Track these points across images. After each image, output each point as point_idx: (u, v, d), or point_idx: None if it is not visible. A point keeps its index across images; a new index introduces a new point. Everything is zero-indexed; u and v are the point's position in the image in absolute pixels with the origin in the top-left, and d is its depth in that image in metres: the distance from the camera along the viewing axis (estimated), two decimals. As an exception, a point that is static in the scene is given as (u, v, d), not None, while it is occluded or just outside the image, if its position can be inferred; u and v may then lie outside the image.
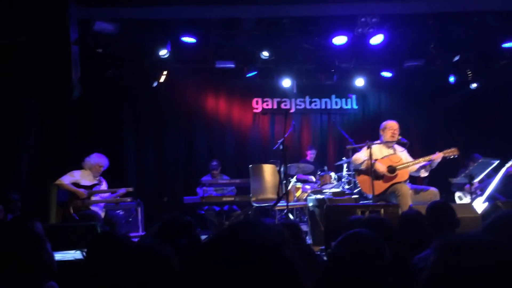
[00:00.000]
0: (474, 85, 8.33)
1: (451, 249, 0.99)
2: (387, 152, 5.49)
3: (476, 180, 6.06)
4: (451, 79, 8.32)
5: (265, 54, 7.35)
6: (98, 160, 5.83)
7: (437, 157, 5.19)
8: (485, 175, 6.21)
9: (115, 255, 1.65)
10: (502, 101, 8.46)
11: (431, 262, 0.99)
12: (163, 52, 6.90)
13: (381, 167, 5.24)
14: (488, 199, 6.02)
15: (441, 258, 0.98)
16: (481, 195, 6.18)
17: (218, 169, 7.74)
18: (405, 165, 5.29)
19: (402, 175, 5.27)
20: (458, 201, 7.10)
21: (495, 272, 0.92)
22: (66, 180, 5.63)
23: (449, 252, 0.98)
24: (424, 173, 5.48)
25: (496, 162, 5.68)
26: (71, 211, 5.49)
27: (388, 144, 5.49)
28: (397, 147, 5.55)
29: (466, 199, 6.94)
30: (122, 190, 5.92)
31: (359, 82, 8.40)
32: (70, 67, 6.61)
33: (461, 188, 7.10)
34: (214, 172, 7.70)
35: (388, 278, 1.43)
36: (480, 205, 5.87)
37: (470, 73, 8.23)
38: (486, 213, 4.80)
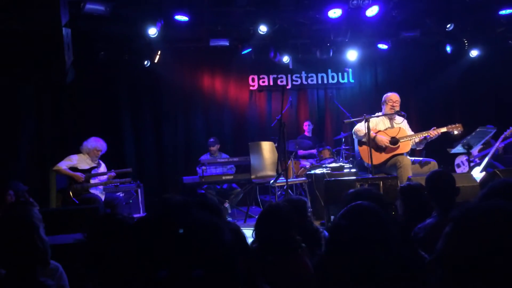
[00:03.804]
0: (474, 53, 8.25)
1: (466, 218, 0.98)
2: (389, 124, 5.50)
3: (475, 149, 6.05)
4: (448, 48, 8.25)
5: (262, 29, 7.21)
6: (95, 144, 5.79)
7: (435, 133, 5.17)
8: (483, 143, 6.19)
9: (117, 236, 1.66)
10: (500, 70, 8.41)
11: (446, 233, 0.99)
12: (154, 31, 6.79)
13: (383, 140, 5.25)
14: (487, 167, 6.02)
15: (456, 227, 0.98)
16: (480, 164, 6.19)
17: (215, 145, 7.57)
18: (408, 138, 5.29)
19: (404, 147, 5.29)
20: (456, 169, 7.12)
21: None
22: (63, 165, 5.60)
23: (464, 221, 0.98)
24: (420, 146, 5.49)
25: (494, 131, 5.66)
26: (71, 195, 5.49)
27: (389, 116, 5.49)
28: (398, 118, 5.53)
29: (465, 166, 6.95)
30: (112, 173, 5.89)
31: (355, 55, 8.32)
32: (63, 51, 6.52)
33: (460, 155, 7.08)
34: (211, 148, 7.58)
35: (392, 250, 1.43)
36: (478, 174, 5.88)
37: (466, 42, 8.16)
38: (484, 181, 4.81)
